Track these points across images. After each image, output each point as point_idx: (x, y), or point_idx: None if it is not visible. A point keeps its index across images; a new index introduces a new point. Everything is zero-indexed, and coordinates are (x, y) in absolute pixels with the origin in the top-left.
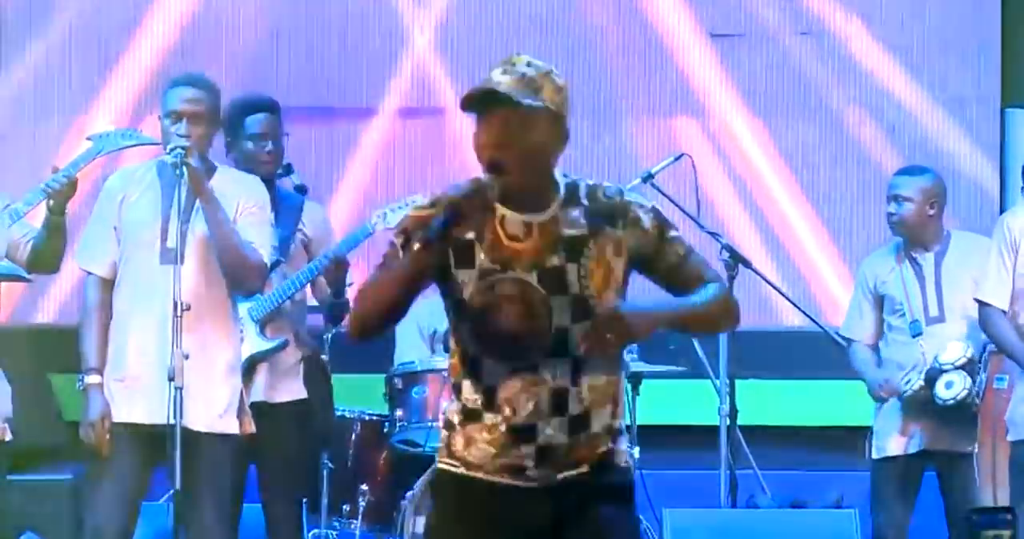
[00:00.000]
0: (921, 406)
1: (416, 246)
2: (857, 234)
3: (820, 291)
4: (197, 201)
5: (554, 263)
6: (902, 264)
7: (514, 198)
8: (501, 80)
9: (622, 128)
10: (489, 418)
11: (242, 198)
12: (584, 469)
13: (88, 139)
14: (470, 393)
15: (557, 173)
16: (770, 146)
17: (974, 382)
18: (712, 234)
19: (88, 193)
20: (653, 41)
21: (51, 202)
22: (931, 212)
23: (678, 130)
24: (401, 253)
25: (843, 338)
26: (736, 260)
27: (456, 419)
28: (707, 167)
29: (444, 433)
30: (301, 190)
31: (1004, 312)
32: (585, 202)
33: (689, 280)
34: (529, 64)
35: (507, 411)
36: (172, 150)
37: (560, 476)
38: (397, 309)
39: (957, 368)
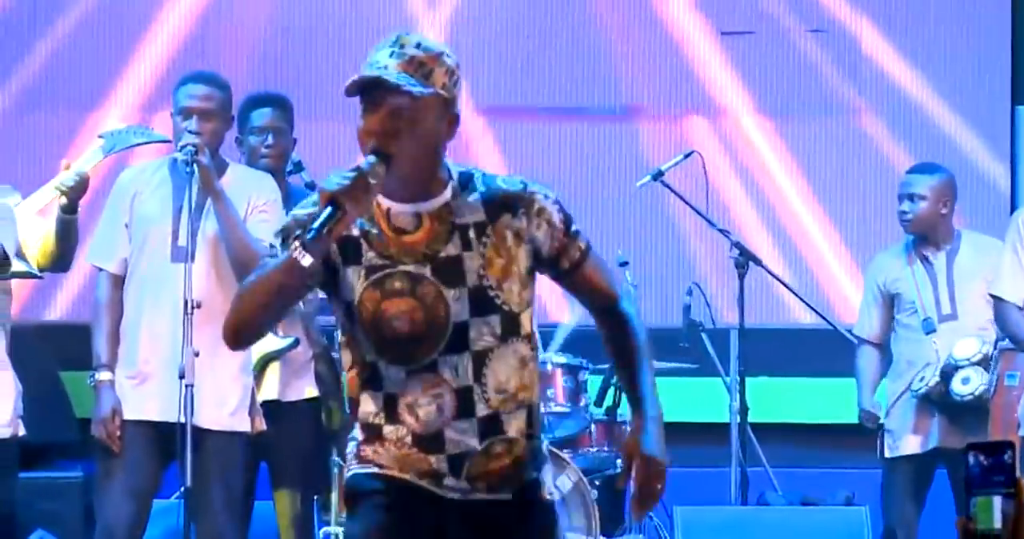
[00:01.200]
0: (934, 404)
1: (295, 247)
2: (867, 231)
3: (830, 288)
4: (208, 198)
5: (449, 253)
6: (913, 263)
7: (400, 188)
8: (388, 63)
9: (631, 126)
10: (390, 432)
11: (253, 195)
12: (507, 496)
13: (100, 137)
14: (369, 407)
15: (449, 161)
16: (780, 144)
17: (988, 378)
18: (722, 231)
19: (100, 190)
20: (663, 39)
21: (63, 200)
22: (944, 210)
23: (688, 128)
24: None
25: (854, 336)
26: (746, 258)
27: (360, 437)
28: (717, 165)
29: (351, 449)
30: (311, 187)
31: (1019, 308)
32: (481, 188)
33: (590, 285)
34: (419, 45)
35: (410, 420)
36: (183, 147)
37: (479, 496)
38: (275, 315)
39: (973, 364)
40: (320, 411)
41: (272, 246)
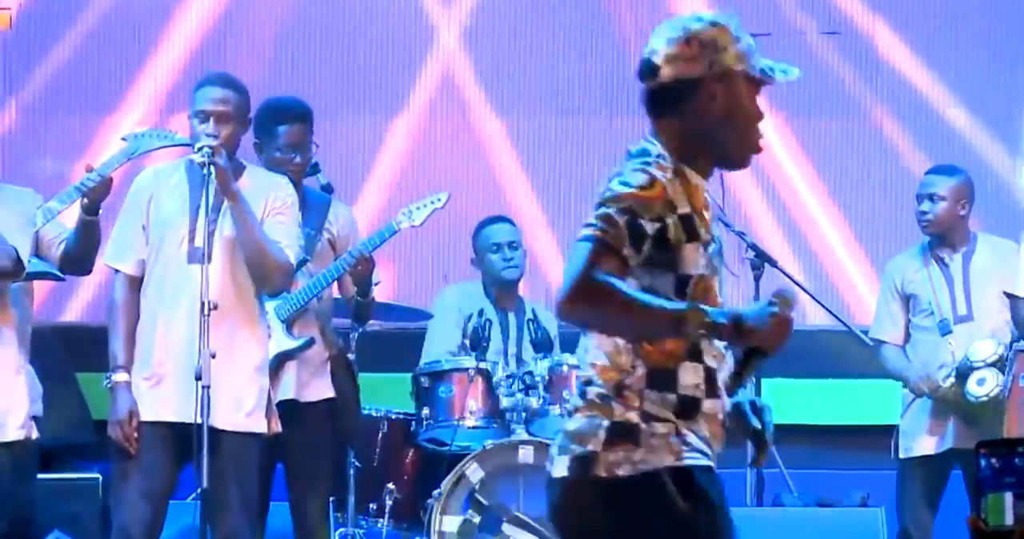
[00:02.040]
0: (949, 405)
1: (696, 322)
2: (883, 232)
3: (846, 289)
4: (225, 200)
5: (715, 233)
6: (929, 265)
7: (707, 166)
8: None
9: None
10: (710, 406)
11: (270, 197)
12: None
13: (123, 139)
14: (691, 378)
15: None
16: (795, 145)
17: (1003, 379)
18: (738, 233)
19: (117, 192)
20: None
21: (85, 201)
22: (962, 212)
23: None
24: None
25: (871, 339)
26: (762, 259)
27: (672, 416)
28: None
29: (662, 431)
30: (327, 189)
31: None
32: None
33: None
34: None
35: (724, 394)
36: (200, 149)
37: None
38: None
39: (989, 365)
40: (336, 412)
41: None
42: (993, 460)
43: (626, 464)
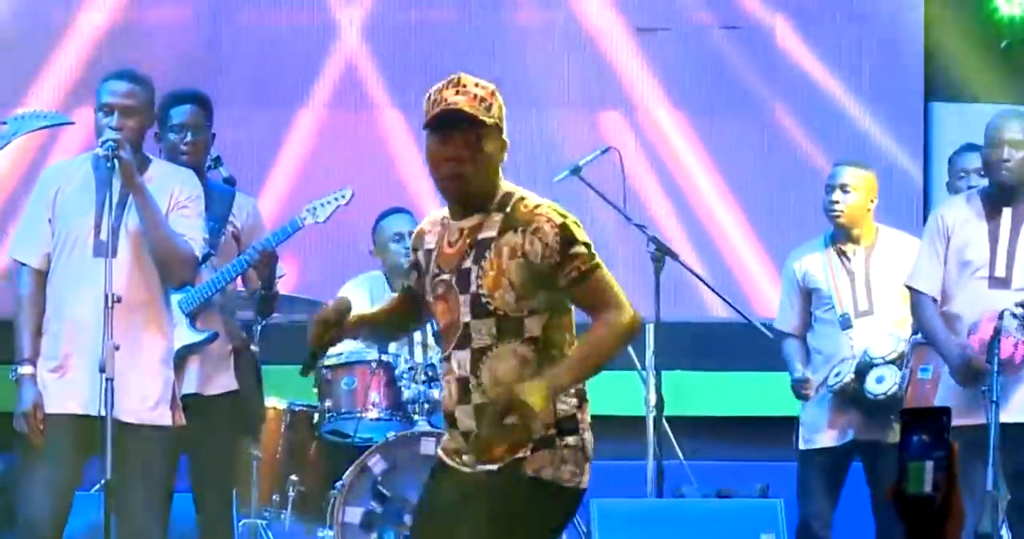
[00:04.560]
0: (850, 398)
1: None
2: (781, 226)
3: (745, 282)
4: (131, 194)
5: (466, 265)
6: (831, 258)
7: (460, 208)
8: (457, 100)
9: (550, 121)
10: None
11: (176, 191)
12: (494, 467)
13: (3, 122)
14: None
15: (504, 183)
16: (696, 140)
17: (902, 376)
18: (639, 226)
19: (23, 186)
20: (579, 35)
21: None
22: (870, 206)
23: (605, 123)
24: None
25: (771, 330)
26: (662, 252)
27: None
28: (634, 160)
29: None
30: (230, 182)
31: (934, 300)
32: (508, 209)
33: (586, 300)
34: (476, 84)
35: (444, 396)
36: (104, 143)
37: (479, 467)
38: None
39: (888, 362)
40: (239, 405)
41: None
42: (924, 437)
43: None
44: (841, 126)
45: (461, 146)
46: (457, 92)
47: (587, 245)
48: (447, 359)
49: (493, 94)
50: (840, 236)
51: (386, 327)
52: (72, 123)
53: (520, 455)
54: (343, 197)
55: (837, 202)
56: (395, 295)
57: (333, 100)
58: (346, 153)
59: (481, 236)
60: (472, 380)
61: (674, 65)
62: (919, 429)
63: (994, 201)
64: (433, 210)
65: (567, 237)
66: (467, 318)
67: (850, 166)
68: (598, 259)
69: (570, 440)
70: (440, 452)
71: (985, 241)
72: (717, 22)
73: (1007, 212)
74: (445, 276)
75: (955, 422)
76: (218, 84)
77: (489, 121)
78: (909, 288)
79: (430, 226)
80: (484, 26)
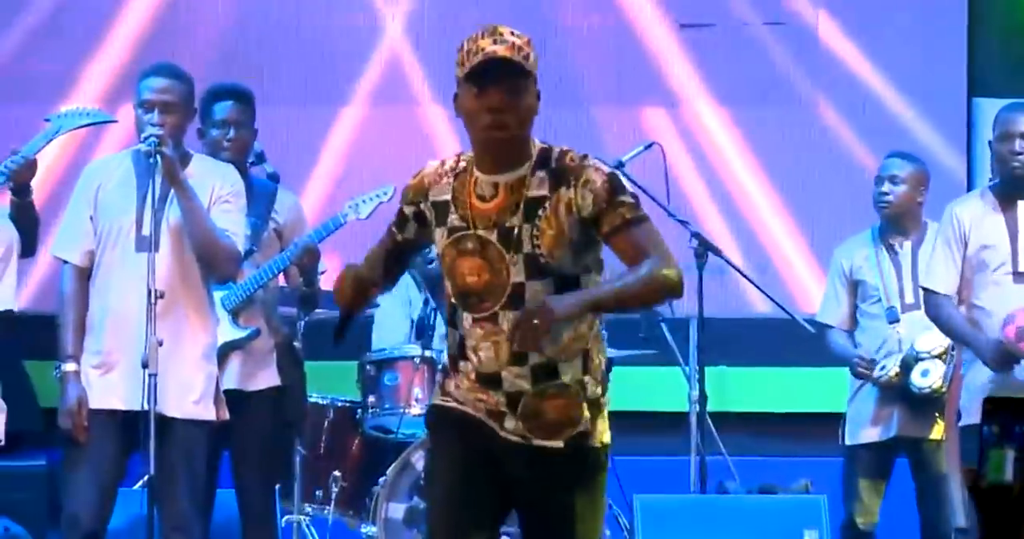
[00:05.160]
0: (894, 393)
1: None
2: (825, 222)
3: (789, 278)
4: (172, 189)
5: (511, 223)
6: (879, 251)
7: (490, 160)
8: (497, 49)
9: (593, 117)
10: (463, 366)
11: (216, 186)
12: (559, 444)
13: (46, 120)
14: (452, 341)
15: (534, 138)
16: (739, 135)
17: (947, 371)
18: (682, 222)
19: (65, 183)
20: (623, 31)
21: (12, 185)
22: (919, 199)
23: (648, 119)
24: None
25: (814, 325)
26: (706, 248)
27: (447, 365)
28: (677, 156)
29: (439, 378)
30: (273, 178)
31: (949, 298)
32: (553, 165)
33: (630, 247)
34: (512, 33)
35: (474, 359)
36: (146, 139)
37: (537, 443)
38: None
39: (934, 357)
40: (281, 400)
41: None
42: (994, 426)
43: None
44: (884, 121)
45: (505, 96)
46: (495, 41)
47: (635, 196)
48: (489, 319)
49: (529, 44)
50: (888, 229)
51: (386, 283)
52: (115, 121)
53: (581, 428)
54: (385, 194)
55: (887, 193)
56: (377, 247)
57: (376, 97)
58: (389, 150)
59: (531, 194)
60: None
61: (717, 61)
62: (1000, 418)
63: (1008, 195)
64: (430, 162)
65: (616, 185)
66: (519, 278)
67: (901, 158)
68: (645, 213)
69: (604, 399)
70: (467, 409)
71: (1005, 236)
72: (760, 18)
73: (1022, 205)
74: (480, 232)
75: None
76: (261, 81)
77: (529, 70)
78: (924, 289)
79: (435, 177)
80: (529, 22)
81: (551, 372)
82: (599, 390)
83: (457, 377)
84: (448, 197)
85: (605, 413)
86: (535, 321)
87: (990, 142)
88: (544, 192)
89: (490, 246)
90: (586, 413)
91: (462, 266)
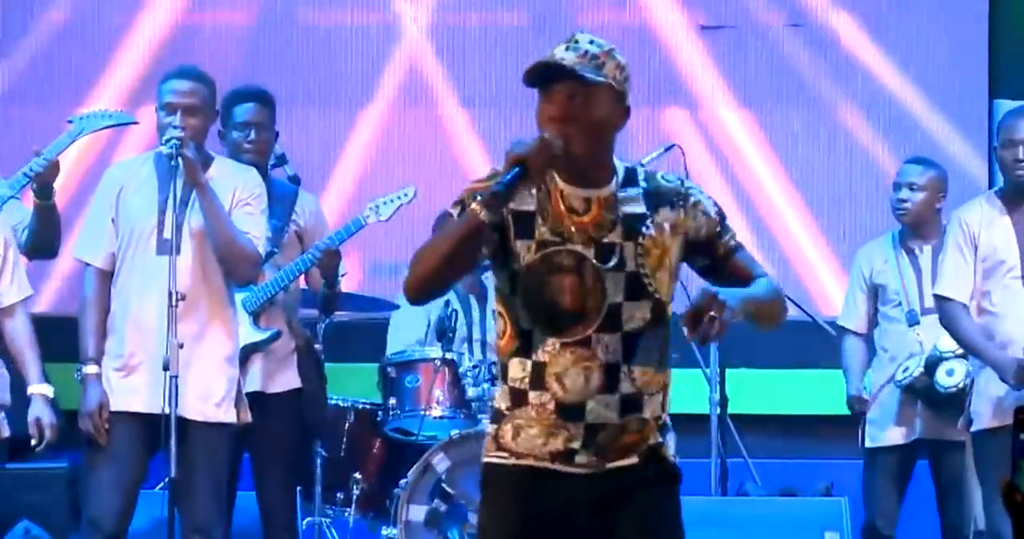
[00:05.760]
0: (918, 395)
1: (476, 203)
2: (846, 224)
3: (810, 280)
4: (193, 192)
5: (611, 239)
6: (899, 255)
7: (574, 172)
8: (565, 56)
9: None
10: (535, 397)
11: (238, 188)
12: (634, 460)
13: (68, 121)
14: (517, 372)
15: (614, 157)
16: (760, 137)
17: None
18: None
19: (87, 186)
20: (644, 33)
21: (35, 186)
22: (938, 205)
23: (668, 121)
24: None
25: (834, 328)
26: None
27: (503, 405)
28: (697, 158)
29: (491, 427)
30: (294, 180)
31: (965, 307)
32: (643, 184)
33: (738, 271)
34: (592, 41)
35: (556, 387)
36: (167, 141)
37: (609, 465)
38: (450, 274)
39: (957, 356)
40: (302, 403)
41: (447, 213)
42: None
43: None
44: (905, 124)
45: (564, 104)
46: (567, 48)
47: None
48: (581, 343)
49: (609, 53)
50: (908, 233)
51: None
52: (137, 123)
53: (652, 442)
54: (406, 196)
55: (905, 201)
56: None
57: (396, 99)
58: (409, 151)
59: (628, 210)
60: (624, 367)
61: (738, 63)
62: None
63: (1014, 199)
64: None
65: (720, 209)
66: (618, 299)
67: (918, 164)
68: None
69: (669, 420)
70: (527, 461)
71: (1013, 241)
72: (782, 20)
73: None
74: (574, 247)
75: (1002, 422)
76: (282, 83)
77: (597, 80)
78: (938, 296)
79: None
80: (548, 24)
81: (637, 404)
82: (667, 418)
83: (522, 414)
84: (533, 207)
85: (672, 434)
86: (711, 313)
87: (995, 148)
88: (642, 210)
89: (586, 263)
90: (656, 433)
91: (554, 284)
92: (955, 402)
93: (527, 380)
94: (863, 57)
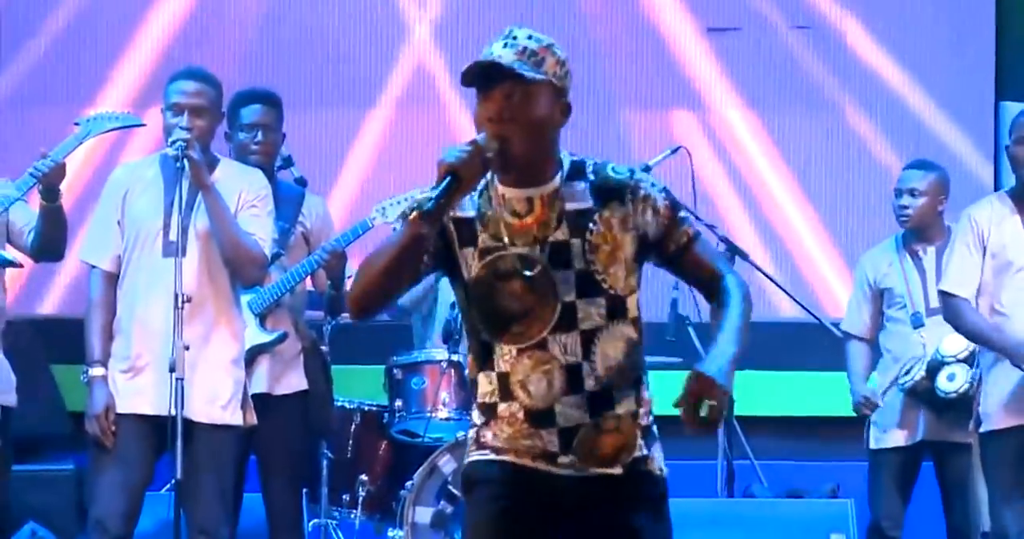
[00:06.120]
0: (921, 397)
1: (414, 216)
2: (853, 225)
3: (815, 282)
4: (199, 194)
5: (558, 237)
6: (903, 258)
7: (515, 174)
8: (503, 53)
9: (619, 122)
10: (505, 409)
11: (244, 190)
12: (618, 471)
13: (75, 123)
14: (485, 387)
15: (561, 150)
16: (766, 139)
17: (973, 374)
18: (709, 226)
19: (93, 188)
20: (650, 35)
21: (41, 188)
22: (940, 208)
23: (675, 123)
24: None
25: (840, 331)
26: (733, 252)
27: (479, 421)
28: (704, 160)
29: (471, 435)
30: (301, 182)
31: (969, 302)
32: (591, 177)
33: (697, 266)
34: (530, 37)
35: (522, 396)
36: (173, 143)
37: (594, 471)
38: (394, 287)
39: (959, 361)
40: (308, 405)
41: (395, 228)
42: None
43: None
44: (912, 125)
45: (501, 104)
46: (505, 44)
47: (684, 206)
48: (537, 347)
49: (548, 48)
50: (911, 237)
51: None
52: (143, 125)
53: (638, 453)
54: (413, 197)
55: (906, 207)
56: None
57: (403, 100)
58: (416, 153)
59: (572, 206)
60: (585, 366)
61: (745, 65)
62: None
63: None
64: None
65: (674, 201)
66: (570, 297)
67: (919, 169)
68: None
69: (655, 428)
70: (509, 457)
71: (1022, 241)
72: (788, 22)
73: None
74: (520, 250)
75: (1010, 423)
76: (289, 85)
77: (536, 78)
78: (943, 293)
79: None
80: (554, 25)
81: (607, 401)
82: (650, 419)
83: (497, 424)
84: (471, 214)
85: (659, 444)
86: (711, 403)
87: (1007, 146)
88: (587, 204)
89: (533, 264)
90: (640, 442)
91: (502, 290)
92: (957, 406)
93: (496, 393)
94: (869, 59)
